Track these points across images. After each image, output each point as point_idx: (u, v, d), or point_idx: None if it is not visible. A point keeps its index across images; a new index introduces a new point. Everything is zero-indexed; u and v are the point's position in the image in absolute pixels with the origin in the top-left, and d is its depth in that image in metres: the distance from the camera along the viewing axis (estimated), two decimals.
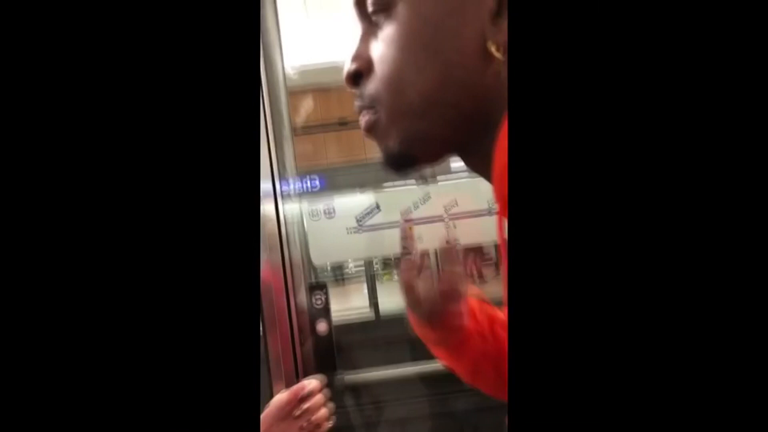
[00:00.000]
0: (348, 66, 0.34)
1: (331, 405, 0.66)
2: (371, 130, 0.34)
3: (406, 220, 0.72)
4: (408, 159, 0.34)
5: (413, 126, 0.32)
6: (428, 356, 0.55)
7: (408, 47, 0.31)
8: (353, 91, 0.35)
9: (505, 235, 0.32)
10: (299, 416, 0.61)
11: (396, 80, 0.32)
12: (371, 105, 0.34)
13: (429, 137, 0.33)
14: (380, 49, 0.33)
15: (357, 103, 0.35)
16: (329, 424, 0.64)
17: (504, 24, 0.29)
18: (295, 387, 0.64)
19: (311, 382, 0.65)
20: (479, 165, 0.34)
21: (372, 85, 0.33)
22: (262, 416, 0.61)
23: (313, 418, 0.62)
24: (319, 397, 0.65)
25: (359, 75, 0.34)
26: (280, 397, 0.62)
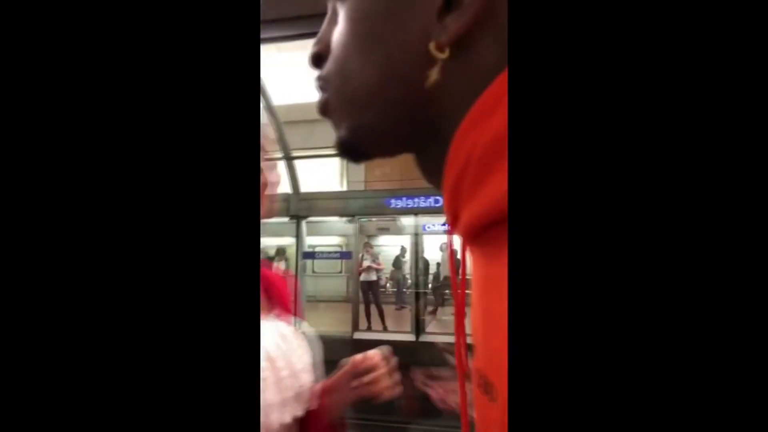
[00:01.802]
0: (311, 52, 0.34)
1: (394, 376, 0.61)
2: (324, 112, 0.34)
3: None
4: (356, 148, 0.33)
5: (358, 116, 0.32)
6: None
7: (355, 34, 0.31)
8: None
9: (458, 253, 0.32)
10: (356, 387, 0.59)
11: (343, 67, 0.31)
12: (323, 87, 0.33)
13: (375, 130, 0.32)
14: (335, 34, 0.32)
15: (316, 85, 0.35)
16: (389, 393, 0.61)
17: (454, 23, 0.26)
18: (356, 359, 0.61)
19: (374, 356, 0.61)
20: (430, 173, 0.32)
21: (326, 68, 0.33)
22: (319, 385, 0.60)
23: (373, 389, 0.59)
24: (379, 371, 0.60)
25: (319, 58, 0.34)
26: (342, 369, 0.61)
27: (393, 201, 5.08)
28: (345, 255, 5.44)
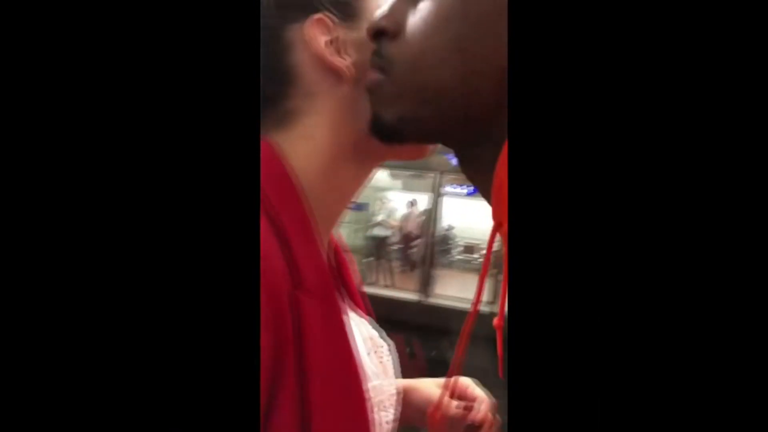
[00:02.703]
0: (377, 19, 0.35)
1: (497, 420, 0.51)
2: (374, 90, 0.35)
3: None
4: (397, 135, 0.35)
5: (416, 108, 0.33)
6: None
7: (441, 33, 0.32)
8: (370, 42, 0.36)
9: (503, 248, 0.32)
10: None
11: (419, 59, 0.33)
12: (384, 67, 0.34)
13: (427, 124, 0.34)
14: (416, 21, 0.33)
15: (371, 58, 0.36)
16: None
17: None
18: (459, 393, 0.51)
19: (476, 411, 0.49)
20: (475, 175, 0.35)
21: (394, 50, 0.34)
22: (405, 385, 0.51)
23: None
24: (485, 427, 0.49)
25: (384, 33, 0.34)
26: (445, 400, 0.49)
27: None
28: (358, 207, 5.31)
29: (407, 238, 5.74)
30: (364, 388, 0.37)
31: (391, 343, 0.46)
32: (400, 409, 0.45)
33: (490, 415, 0.49)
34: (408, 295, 4.84)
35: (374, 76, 0.35)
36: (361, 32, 0.38)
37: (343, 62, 0.39)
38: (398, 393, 0.45)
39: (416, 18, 0.33)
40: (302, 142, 0.40)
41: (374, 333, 0.46)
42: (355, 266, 0.50)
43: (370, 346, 0.43)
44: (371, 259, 5.54)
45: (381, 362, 0.44)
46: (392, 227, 5.79)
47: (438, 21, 0.32)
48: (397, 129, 0.34)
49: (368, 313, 0.47)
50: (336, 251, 0.47)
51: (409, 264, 5.70)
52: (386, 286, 5.34)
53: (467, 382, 0.52)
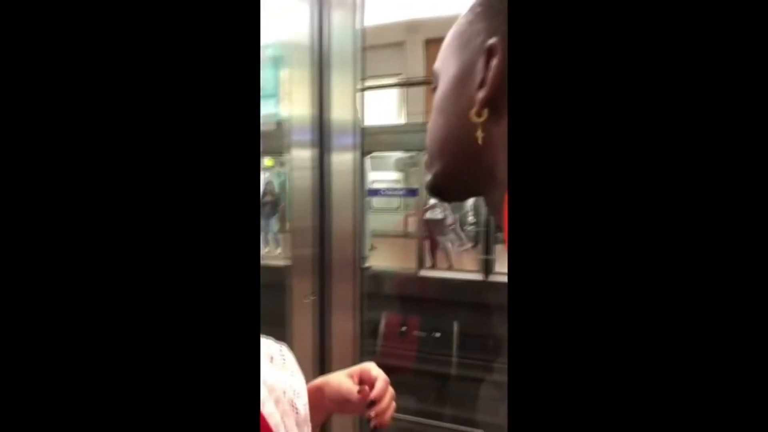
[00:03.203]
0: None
1: (393, 404, 0.61)
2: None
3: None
4: (437, 191, 0.42)
5: (435, 166, 0.41)
6: None
7: (434, 105, 0.40)
8: None
9: None
10: (369, 414, 0.59)
11: (428, 129, 0.41)
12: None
13: (447, 177, 0.40)
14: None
15: None
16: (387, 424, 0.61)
17: (482, 94, 0.35)
18: (362, 377, 0.60)
19: (376, 379, 0.59)
20: (496, 214, 0.38)
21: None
22: (320, 383, 0.59)
23: (382, 418, 0.59)
24: (386, 400, 0.59)
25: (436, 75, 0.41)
26: (343, 382, 0.59)
27: None
28: (410, 192, 5.32)
29: (460, 219, 5.68)
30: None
31: (284, 344, 0.53)
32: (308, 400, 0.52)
33: (386, 391, 0.59)
34: (470, 275, 4.81)
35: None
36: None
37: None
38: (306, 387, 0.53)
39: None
40: None
41: (269, 347, 0.51)
42: None
43: (267, 362, 0.49)
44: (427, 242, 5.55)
45: (284, 363, 0.50)
46: (445, 209, 5.75)
47: (435, 96, 0.41)
48: (434, 185, 0.42)
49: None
50: None
51: (467, 244, 5.65)
52: (447, 269, 5.34)
53: (368, 366, 0.61)
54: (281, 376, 0.48)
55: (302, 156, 1.44)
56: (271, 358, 0.50)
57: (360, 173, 1.48)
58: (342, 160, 1.45)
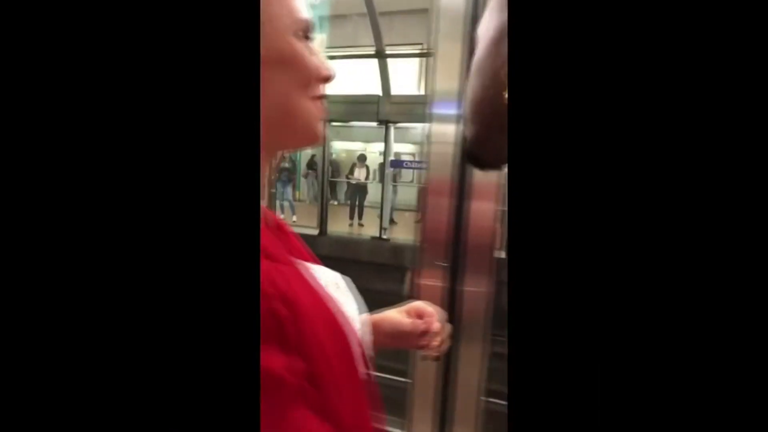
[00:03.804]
0: None
1: (447, 338, 0.64)
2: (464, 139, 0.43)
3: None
4: (472, 158, 0.43)
5: (469, 131, 0.41)
6: None
7: (472, 69, 0.40)
8: None
9: None
10: (421, 344, 0.62)
11: (465, 96, 0.42)
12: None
13: (481, 144, 0.40)
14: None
15: None
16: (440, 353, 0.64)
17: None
18: (417, 313, 0.63)
19: (431, 314, 0.62)
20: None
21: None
22: (376, 318, 0.61)
23: (432, 348, 0.62)
24: (442, 334, 0.62)
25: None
26: (399, 318, 0.62)
27: None
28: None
29: None
30: (345, 327, 0.43)
31: (348, 279, 0.54)
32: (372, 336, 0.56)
33: (442, 325, 0.63)
34: None
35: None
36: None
37: None
38: (367, 321, 0.57)
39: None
40: None
41: (335, 275, 0.53)
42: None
43: (334, 288, 0.50)
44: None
45: (341, 297, 0.51)
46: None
47: (477, 49, 0.41)
48: (470, 151, 0.41)
49: (317, 261, 0.55)
50: (277, 222, 0.51)
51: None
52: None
53: (419, 303, 0.64)
54: (349, 302, 0.51)
55: None
56: (337, 285, 0.51)
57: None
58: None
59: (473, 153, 0.42)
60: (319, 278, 0.48)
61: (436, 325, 0.61)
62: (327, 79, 0.44)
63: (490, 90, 0.37)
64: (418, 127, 5.95)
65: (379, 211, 5.75)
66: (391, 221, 6.79)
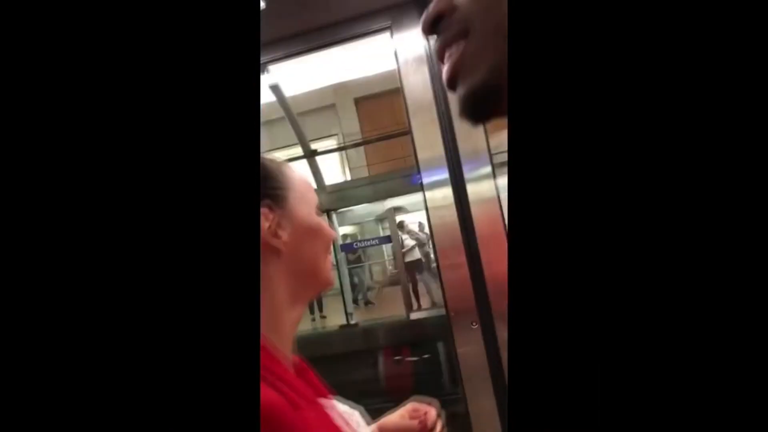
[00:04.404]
0: (429, 12, 0.35)
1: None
2: (457, 68, 0.34)
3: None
4: (493, 91, 0.33)
5: (474, 76, 0.33)
6: None
7: (459, 27, 0.33)
8: (432, 37, 0.36)
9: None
10: None
11: (458, 58, 0.33)
12: (455, 40, 0.34)
13: (487, 85, 0.33)
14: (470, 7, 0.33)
15: (438, 46, 0.35)
16: None
17: None
18: (417, 413, 0.68)
19: (432, 414, 0.68)
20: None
21: (458, 16, 0.33)
22: (377, 426, 0.66)
23: None
24: (438, 426, 0.68)
25: (440, 17, 0.34)
26: (400, 422, 0.67)
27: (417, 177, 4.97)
28: (384, 240, 5.39)
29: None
30: None
31: (361, 408, 0.61)
32: None
33: (438, 418, 0.69)
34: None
35: (451, 57, 0.34)
36: (292, 213, 0.54)
37: (279, 241, 0.52)
38: None
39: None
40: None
41: (345, 407, 0.61)
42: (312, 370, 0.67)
43: (345, 419, 0.58)
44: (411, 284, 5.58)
45: (357, 428, 0.59)
46: (422, 239, 5.80)
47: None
48: (492, 82, 0.33)
49: (332, 393, 0.64)
50: (298, 363, 0.62)
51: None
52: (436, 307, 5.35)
53: (414, 403, 0.71)
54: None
55: None
56: (351, 415, 0.59)
57: None
58: None
59: (476, 101, 0.34)
60: (340, 413, 0.57)
61: (433, 416, 0.68)
62: (334, 240, 0.59)
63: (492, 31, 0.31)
64: (354, 209, 6.20)
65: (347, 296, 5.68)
66: (368, 303, 6.72)
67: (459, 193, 1.70)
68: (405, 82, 1.73)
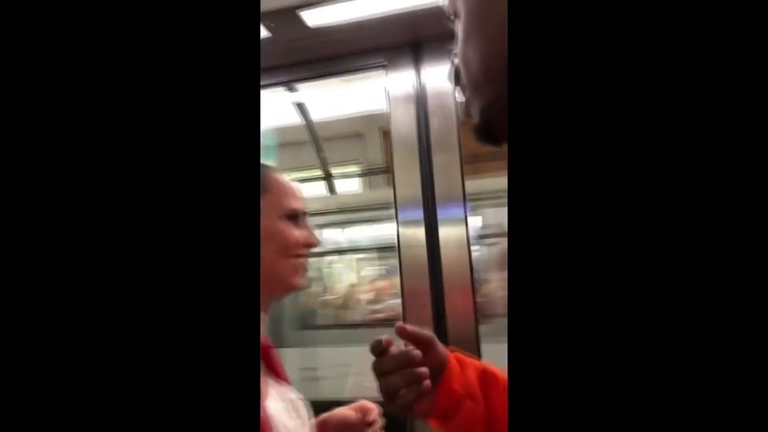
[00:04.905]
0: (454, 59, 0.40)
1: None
2: (465, 111, 0.40)
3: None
4: (489, 127, 0.38)
5: (483, 97, 0.37)
6: None
7: (464, 34, 0.37)
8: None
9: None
10: None
11: (461, 66, 0.38)
12: (462, 88, 0.40)
13: (497, 103, 0.36)
14: (458, 41, 0.39)
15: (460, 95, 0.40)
16: None
17: None
18: (362, 409, 0.75)
19: (373, 409, 0.75)
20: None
21: (461, 62, 0.38)
22: (322, 420, 0.72)
23: None
24: (378, 423, 0.75)
25: (458, 75, 0.39)
26: (346, 413, 0.73)
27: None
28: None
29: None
30: None
31: (304, 398, 0.68)
32: None
33: (378, 417, 0.76)
34: None
35: (461, 101, 0.40)
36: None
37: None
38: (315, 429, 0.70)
39: (458, 40, 0.38)
40: None
41: (294, 396, 0.67)
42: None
43: (291, 406, 0.64)
44: None
45: (299, 415, 0.65)
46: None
47: (466, 25, 0.38)
48: (485, 120, 0.37)
49: (288, 382, 0.69)
50: (264, 346, 0.67)
51: None
52: None
53: (364, 402, 0.79)
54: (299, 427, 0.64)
55: None
56: (292, 402, 0.65)
57: None
58: None
59: (489, 125, 0.37)
60: (292, 399, 0.64)
61: (375, 414, 0.76)
62: (310, 245, 0.64)
63: (500, 41, 0.32)
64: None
65: None
66: None
67: (432, 233, 1.68)
68: (393, 119, 1.76)
